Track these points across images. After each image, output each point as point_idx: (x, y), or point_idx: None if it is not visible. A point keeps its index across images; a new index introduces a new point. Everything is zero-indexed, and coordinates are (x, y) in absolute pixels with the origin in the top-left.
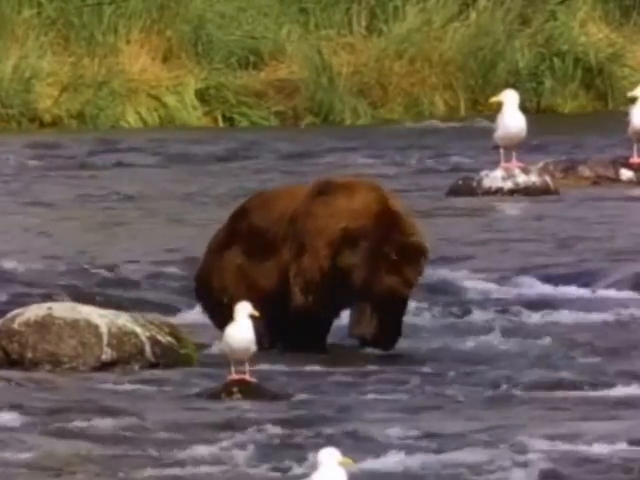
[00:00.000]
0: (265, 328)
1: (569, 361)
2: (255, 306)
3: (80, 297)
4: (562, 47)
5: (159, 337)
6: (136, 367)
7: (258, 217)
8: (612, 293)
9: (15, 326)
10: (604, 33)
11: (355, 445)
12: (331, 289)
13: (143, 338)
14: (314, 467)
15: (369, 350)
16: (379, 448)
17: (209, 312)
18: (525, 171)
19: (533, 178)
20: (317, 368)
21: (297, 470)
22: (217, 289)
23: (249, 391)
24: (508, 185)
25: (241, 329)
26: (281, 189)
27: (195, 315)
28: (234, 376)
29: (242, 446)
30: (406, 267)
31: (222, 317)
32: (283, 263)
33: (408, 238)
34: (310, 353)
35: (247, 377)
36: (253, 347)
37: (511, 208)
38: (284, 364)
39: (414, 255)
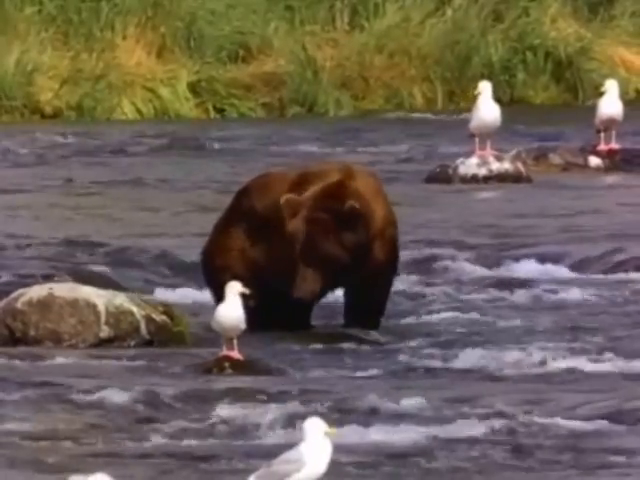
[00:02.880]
0: (261, 308)
1: (542, 338)
2: (254, 286)
3: (79, 278)
4: (534, 42)
5: (154, 316)
6: (132, 344)
7: (258, 198)
8: (580, 273)
9: (18, 306)
10: (573, 28)
11: (341, 418)
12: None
13: (139, 317)
14: (300, 437)
15: (355, 328)
16: (364, 420)
17: (211, 288)
18: (499, 159)
19: (506, 165)
20: (305, 344)
21: (284, 441)
22: (219, 267)
23: (240, 366)
24: (483, 172)
25: (231, 308)
26: (282, 172)
27: (188, 294)
28: (225, 352)
29: (232, 418)
30: (342, 231)
31: (222, 295)
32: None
33: (343, 203)
34: (298, 330)
35: (236, 353)
36: (243, 325)
37: (485, 194)
38: (273, 340)
39: (350, 220)
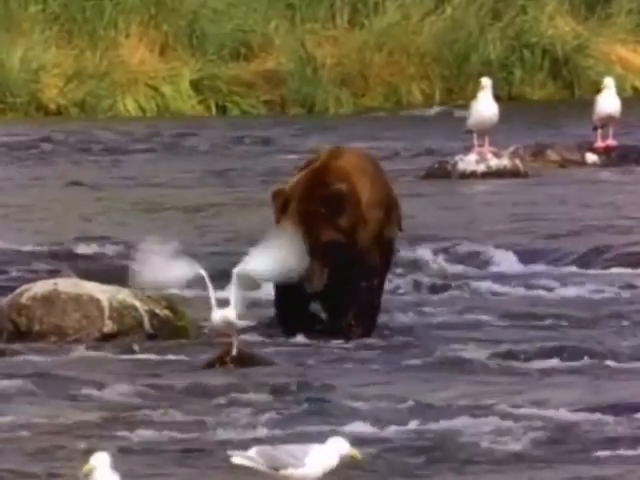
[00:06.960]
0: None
1: (538, 333)
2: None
3: (83, 274)
4: (531, 39)
5: (157, 310)
6: (135, 339)
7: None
8: (577, 269)
9: (23, 301)
10: (570, 26)
11: (339, 411)
12: None
13: (142, 312)
14: (301, 434)
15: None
16: (361, 415)
17: None
18: (497, 155)
19: (504, 161)
20: (307, 339)
21: (286, 434)
22: None
23: (241, 361)
24: (481, 168)
25: (230, 305)
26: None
27: (191, 290)
28: (226, 347)
29: (234, 412)
30: (335, 216)
31: None
32: None
33: (329, 188)
34: (297, 326)
35: (238, 348)
36: (240, 322)
37: (484, 190)
38: (275, 335)
39: (338, 203)
